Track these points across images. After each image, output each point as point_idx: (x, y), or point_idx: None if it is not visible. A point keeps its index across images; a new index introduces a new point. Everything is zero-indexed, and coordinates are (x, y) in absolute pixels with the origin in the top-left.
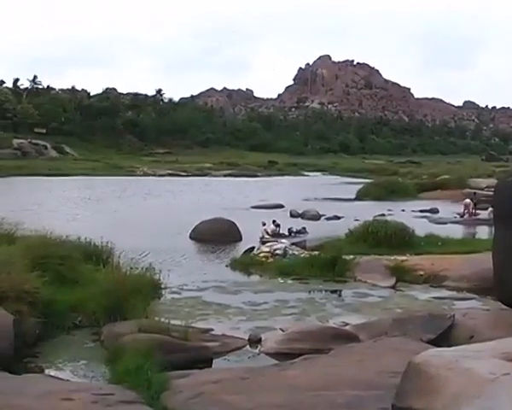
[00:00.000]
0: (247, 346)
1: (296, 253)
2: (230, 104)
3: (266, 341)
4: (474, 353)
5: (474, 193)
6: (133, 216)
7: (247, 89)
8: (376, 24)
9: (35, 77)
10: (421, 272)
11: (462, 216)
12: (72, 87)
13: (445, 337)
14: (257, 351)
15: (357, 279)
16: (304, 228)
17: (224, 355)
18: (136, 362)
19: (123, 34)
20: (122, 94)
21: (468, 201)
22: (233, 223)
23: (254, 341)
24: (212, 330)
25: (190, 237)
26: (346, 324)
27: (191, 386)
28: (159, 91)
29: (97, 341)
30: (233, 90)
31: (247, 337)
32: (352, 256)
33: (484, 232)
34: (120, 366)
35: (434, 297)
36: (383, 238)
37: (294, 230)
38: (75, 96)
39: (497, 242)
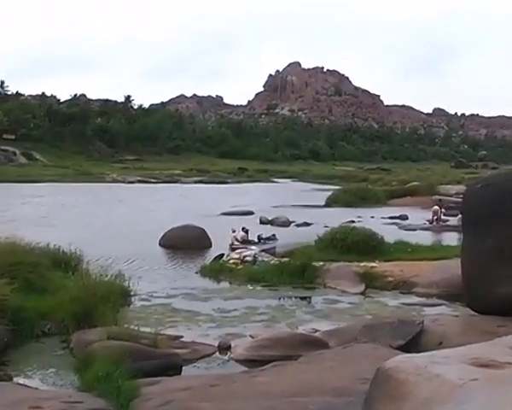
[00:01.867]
0: (217, 353)
1: (266, 259)
2: (200, 111)
3: (236, 348)
4: (443, 358)
5: (440, 200)
6: (102, 223)
7: (217, 95)
8: (346, 31)
9: (3, 82)
10: (391, 279)
11: (431, 223)
12: (42, 93)
13: (414, 343)
14: (226, 358)
15: (326, 286)
16: (273, 235)
17: (194, 362)
18: (105, 370)
19: (93, 40)
20: (92, 100)
21: (436, 207)
22: (203, 230)
23: (224, 348)
24: (181, 337)
25: (160, 244)
26: (316, 330)
27: (161, 393)
28: (128, 98)
29: (66, 348)
30: (203, 97)
31: (216, 344)
32: (321, 263)
33: (453, 239)
34: (90, 374)
35: (404, 303)
36: (352, 245)
37: (264, 236)
38: (44, 102)
39: (465, 248)
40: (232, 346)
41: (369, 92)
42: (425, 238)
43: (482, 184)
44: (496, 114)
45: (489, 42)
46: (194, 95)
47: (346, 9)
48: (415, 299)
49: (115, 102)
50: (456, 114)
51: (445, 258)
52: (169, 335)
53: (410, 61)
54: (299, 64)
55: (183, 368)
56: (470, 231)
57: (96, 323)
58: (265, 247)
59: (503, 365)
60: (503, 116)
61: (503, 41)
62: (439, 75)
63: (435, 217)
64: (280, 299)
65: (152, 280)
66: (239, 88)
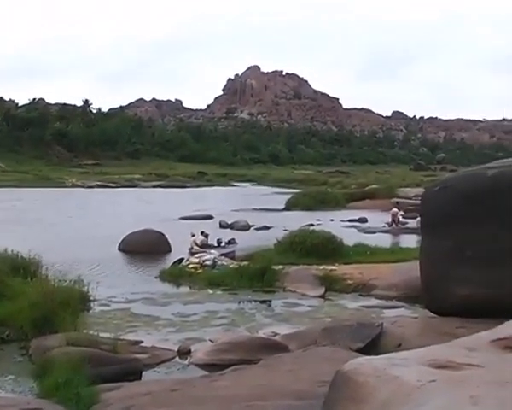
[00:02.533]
0: (177, 357)
1: (225, 263)
2: (160, 115)
3: (196, 352)
4: (401, 360)
5: (397, 202)
6: (61, 228)
7: (176, 99)
8: (305, 35)
9: None
10: (350, 282)
11: (390, 225)
12: (0, 97)
13: (373, 346)
14: (186, 362)
15: (286, 289)
16: (233, 239)
17: (154, 367)
18: (64, 376)
19: (51, 44)
20: (50, 105)
21: (395, 210)
22: (162, 234)
23: (184, 352)
24: (141, 342)
25: (119, 249)
26: (276, 334)
27: (121, 399)
28: (86, 102)
29: (25, 355)
30: (162, 101)
31: (176, 349)
32: (281, 266)
33: (412, 241)
34: (49, 381)
35: (363, 306)
36: (311, 248)
37: (223, 240)
38: (2, 106)
39: (423, 250)
40: (192, 350)
41: (328, 96)
42: (384, 241)
43: (440, 186)
44: (454, 117)
45: (447, 45)
46: (154, 99)
47: (305, 13)
48: (374, 301)
49: (74, 106)
50: (414, 117)
51: (404, 260)
52: (129, 340)
53: (369, 64)
54: (258, 68)
55: (143, 373)
56: (428, 234)
57: (56, 329)
58: (225, 251)
59: (461, 366)
60: (462, 119)
61: (462, 44)
62: (397, 78)
63: (394, 219)
64: (240, 303)
65: (111, 285)
66: (198, 92)
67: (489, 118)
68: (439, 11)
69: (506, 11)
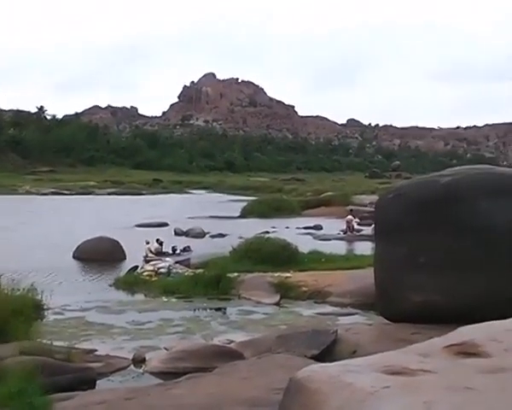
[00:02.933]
0: (132, 366)
1: (180, 271)
2: (115, 122)
3: (150, 360)
4: (355, 367)
5: (351, 210)
6: (14, 235)
7: (131, 106)
8: (261, 42)
9: None
10: (305, 289)
11: (345, 232)
12: None
13: (328, 353)
14: (141, 371)
15: (241, 297)
16: (188, 246)
17: (109, 376)
18: (18, 385)
19: (5, 50)
20: (4, 111)
21: (350, 217)
22: (117, 242)
23: (138, 360)
24: (95, 350)
25: (74, 257)
26: (231, 341)
27: (75, 408)
28: (41, 108)
29: None
30: (117, 108)
31: (131, 357)
32: (236, 274)
33: (367, 248)
34: (1, 390)
35: (318, 313)
36: (267, 255)
37: (178, 248)
38: None
39: (377, 257)
40: (147, 358)
41: (283, 103)
42: (339, 248)
43: (394, 193)
44: (409, 125)
45: (403, 53)
46: (109, 106)
47: (261, 21)
48: (329, 308)
49: (28, 112)
50: (370, 124)
51: (358, 267)
52: (83, 348)
53: (325, 72)
54: (213, 75)
55: (98, 382)
56: (383, 240)
57: (8, 338)
58: (180, 258)
59: (415, 372)
60: (416, 127)
61: (417, 53)
62: (352, 86)
63: (349, 226)
64: (195, 310)
65: (65, 293)
66: (154, 99)
67: (444, 126)
68: (394, 20)
69: (460, 21)
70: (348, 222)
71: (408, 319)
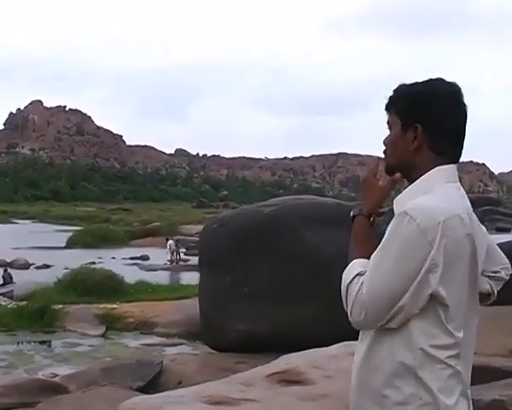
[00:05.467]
0: None
1: (3, 303)
2: None
3: None
4: (178, 398)
5: (177, 240)
6: None
7: None
8: (89, 70)
9: None
10: (132, 320)
11: (171, 263)
12: None
13: (154, 384)
14: None
15: (66, 329)
16: (11, 278)
17: None
18: None
19: None
20: None
21: (171, 242)
22: None
23: None
24: None
25: None
26: (56, 375)
27: None
28: None
29: None
30: None
31: None
32: (61, 305)
33: (194, 278)
34: None
35: (144, 344)
36: (92, 286)
37: (1, 280)
38: None
39: (202, 287)
40: None
41: (111, 132)
42: (166, 278)
43: (218, 223)
44: (237, 155)
45: (230, 86)
46: None
47: (91, 49)
48: (156, 339)
49: None
50: (198, 154)
51: (185, 297)
52: None
53: (152, 102)
54: (41, 102)
55: None
56: (207, 270)
57: None
58: (3, 290)
59: (236, 401)
60: (244, 157)
61: (243, 85)
62: (180, 116)
63: (176, 253)
64: (18, 344)
65: None
66: None
67: (271, 156)
68: (219, 52)
69: (287, 60)
70: (176, 252)
71: (233, 348)
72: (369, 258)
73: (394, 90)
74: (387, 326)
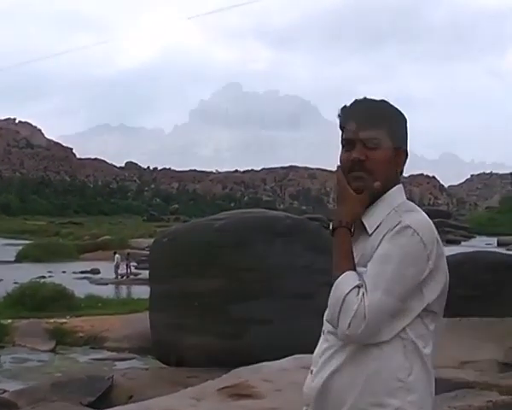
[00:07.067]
0: None
1: None
2: None
3: None
4: None
5: (115, 252)
6: None
7: None
8: (39, 82)
9: None
10: (82, 334)
11: (122, 277)
12: None
13: (105, 399)
14: None
15: (15, 344)
16: None
17: None
18: None
19: None
20: None
21: (126, 262)
22: None
23: None
24: None
25: None
26: (5, 391)
27: None
28: None
29: None
30: None
31: None
32: (10, 320)
33: (145, 292)
34: None
35: (95, 359)
36: (42, 301)
37: None
38: None
39: (152, 301)
40: None
41: (61, 145)
42: (117, 292)
43: (168, 237)
44: (187, 168)
45: (177, 95)
46: None
47: (42, 61)
48: (106, 354)
49: None
50: (148, 167)
51: (136, 311)
52: None
53: (102, 114)
54: None
55: None
56: (157, 284)
57: None
58: None
59: None
60: (195, 170)
61: (190, 97)
62: (129, 129)
63: (127, 270)
64: None
65: None
66: None
67: (222, 170)
68: (169, 63)
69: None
70: (127, 266)
71: (184, 362)
72: (355, 270)
73: (377, 106)
74: (380, 339)
